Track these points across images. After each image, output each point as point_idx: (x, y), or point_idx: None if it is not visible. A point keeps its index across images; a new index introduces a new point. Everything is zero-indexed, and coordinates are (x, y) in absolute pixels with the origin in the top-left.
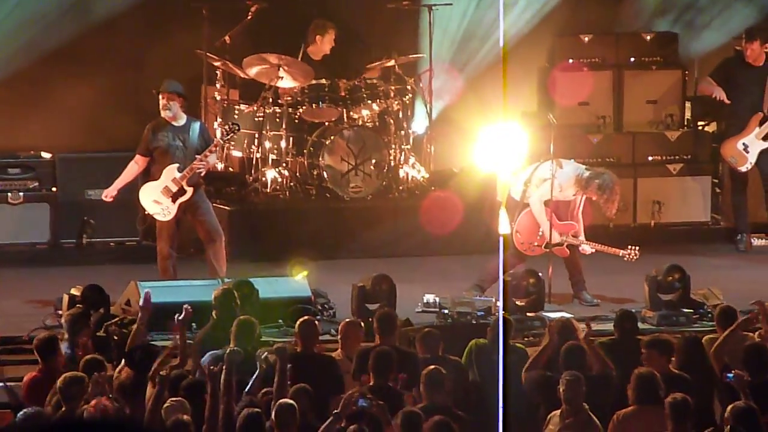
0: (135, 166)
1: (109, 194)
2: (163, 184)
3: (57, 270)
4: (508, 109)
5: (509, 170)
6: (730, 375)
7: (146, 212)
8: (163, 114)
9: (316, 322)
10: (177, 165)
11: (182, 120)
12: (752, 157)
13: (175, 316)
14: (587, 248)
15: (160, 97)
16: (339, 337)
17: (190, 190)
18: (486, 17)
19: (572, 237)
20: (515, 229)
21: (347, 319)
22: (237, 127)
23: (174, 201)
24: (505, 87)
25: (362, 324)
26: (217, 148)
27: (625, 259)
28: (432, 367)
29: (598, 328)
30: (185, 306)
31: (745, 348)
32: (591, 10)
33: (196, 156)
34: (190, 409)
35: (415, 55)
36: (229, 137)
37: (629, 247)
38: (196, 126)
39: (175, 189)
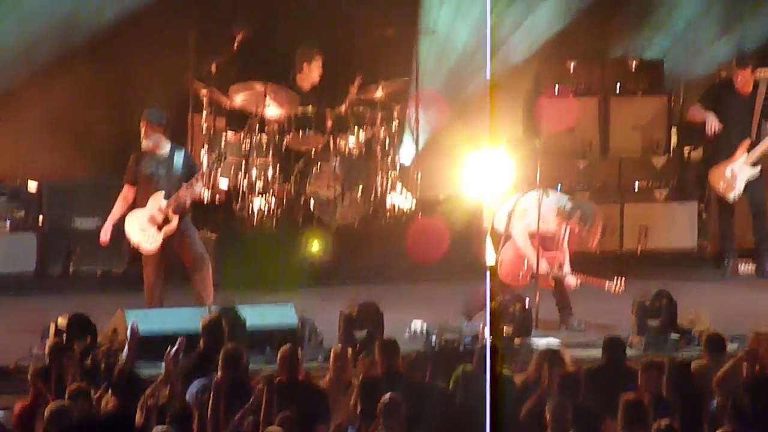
0: (125, 199)
1: (106, 233)
2: (149, 213)
3: (44, 299)
4: (495, 136)
5: (496, 198)
6: (714, 403)
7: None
8: (143, 145)
9: (299, 350)
10: (163, 192)
11: (166, 149)
12: (740, 183)
13: (168, 349)
14: (572, 282)
15: (141, 126)
16: (330, 364)
17: (175, 219)
18: (473, 45)
19: (557, 269)
20: (499, 261)
21: (338, 345)
22: (223, 156)
23: (159, 230)
24: (492, 115)
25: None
26: (203, 177)
27: (611, 291)
28: (389, 395)
29: (586, 355)
30: (180, 339)
31: (746, 378)
32: (577, 36)
33: (183, 184)
34: None
35: (402, 82)
36: (215, 165)
37: (615, 278)
38: (180, 154)
39: (160, 218)
